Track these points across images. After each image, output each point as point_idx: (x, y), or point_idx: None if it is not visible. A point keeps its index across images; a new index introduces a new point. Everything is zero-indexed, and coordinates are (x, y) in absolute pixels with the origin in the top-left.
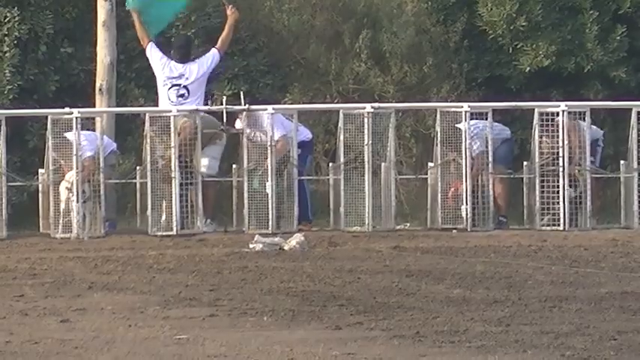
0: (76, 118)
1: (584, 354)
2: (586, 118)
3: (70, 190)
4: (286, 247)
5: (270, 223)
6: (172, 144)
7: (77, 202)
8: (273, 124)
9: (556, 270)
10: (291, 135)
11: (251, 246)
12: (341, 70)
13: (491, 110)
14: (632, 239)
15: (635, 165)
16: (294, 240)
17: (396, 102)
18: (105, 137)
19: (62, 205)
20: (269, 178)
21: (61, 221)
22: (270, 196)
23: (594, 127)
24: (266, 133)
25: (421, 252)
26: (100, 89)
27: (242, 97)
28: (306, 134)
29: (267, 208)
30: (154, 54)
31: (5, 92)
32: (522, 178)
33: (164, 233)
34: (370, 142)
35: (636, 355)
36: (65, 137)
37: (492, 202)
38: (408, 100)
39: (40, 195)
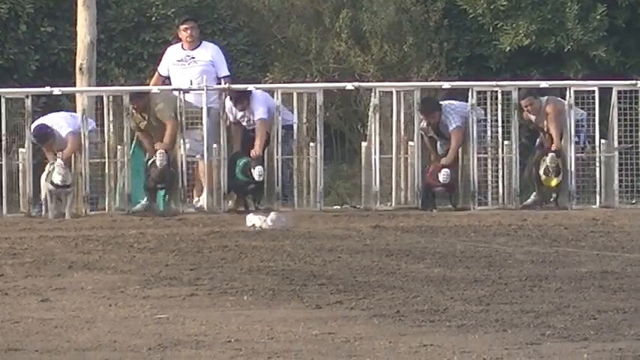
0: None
1: (564, 333)
2: (567, 98)
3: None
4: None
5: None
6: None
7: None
8: (258, 103)
9: (536, 249)
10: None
11: (249, 223)
12: (321, 50)
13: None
14: (613, 218)
15: (616, 144)
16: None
17: (377, 81)
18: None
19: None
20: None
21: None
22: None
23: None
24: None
25: (401, 231)
26: (81, 68)
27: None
28: (289, 118)
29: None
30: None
31: None
32: (503, 158)
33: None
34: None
35: (616, 333)
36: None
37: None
38: (388, 80)
39: (20, 174)
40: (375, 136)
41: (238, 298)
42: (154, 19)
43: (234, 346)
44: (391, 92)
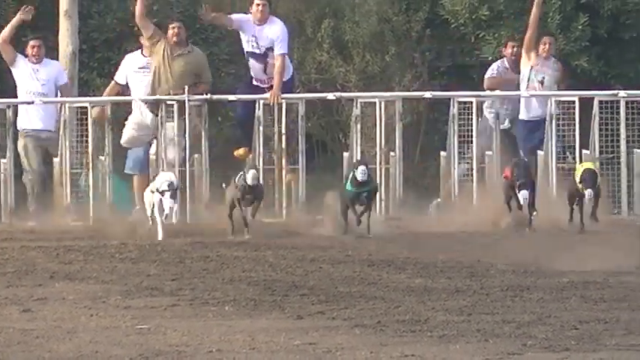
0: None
1: (546, 343)
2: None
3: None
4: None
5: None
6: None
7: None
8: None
9: (518, 259)
10: None
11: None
12: (303, 60)
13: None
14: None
15: (597, 154)
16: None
17: (359, 91)
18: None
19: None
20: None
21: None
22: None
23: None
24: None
25: (384, 241)
26: None
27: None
28: None
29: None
30: None
31: None
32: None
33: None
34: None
35: (597, 344)
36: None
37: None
38: (370, 90)
39: (1, 185)
40: (356, 146)
41: (220, 309)
42: (136, 29)
43: (216, 357)
44: (373, 102)
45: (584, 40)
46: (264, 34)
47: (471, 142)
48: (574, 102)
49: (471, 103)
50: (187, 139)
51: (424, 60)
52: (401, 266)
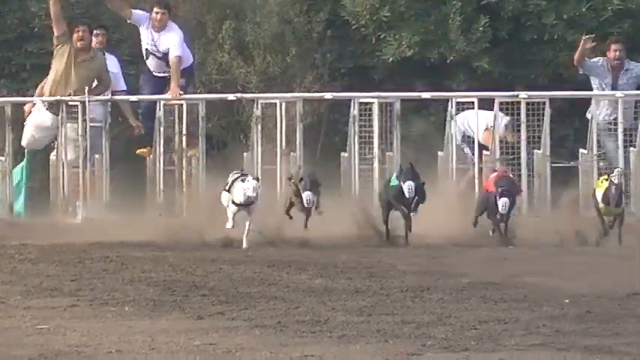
0: None
1: (445, 343)
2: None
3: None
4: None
5: None
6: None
7: None
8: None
9: (418, 260)
10: None
11: None
12: (204, 61)
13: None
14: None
15: (497, 155)
16: None
17: (259, 92)
18: None
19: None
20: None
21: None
22: None
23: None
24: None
25: (283, 242)
26: None
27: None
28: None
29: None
30: None
31: None
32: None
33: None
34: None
35: (496, 344)
36: None
37: None
38: (271, 90)
39: None
40: (257, 146)
41: (120, 309)
42: (37, 29)
43: (116, 357)
44: (274, 103)
45: (485, 41)
46: (163, 42)
47: (372, 143)
48: (473, 103)
49: (372, 104)
50: (88, 139)
51: (325, 61)
52: (301, 267)
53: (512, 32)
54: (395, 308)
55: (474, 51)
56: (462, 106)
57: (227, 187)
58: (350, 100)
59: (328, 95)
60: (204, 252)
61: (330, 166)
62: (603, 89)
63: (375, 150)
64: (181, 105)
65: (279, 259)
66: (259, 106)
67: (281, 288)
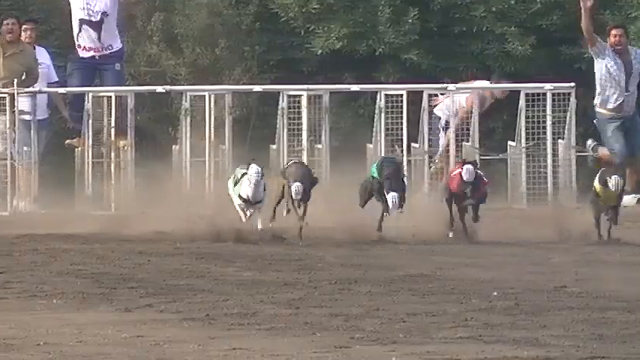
0: None
1: (374, 336)
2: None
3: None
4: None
5: None
6: None
7: None
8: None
9: (347, 252)
10: None
11: None
12: (133, 53)
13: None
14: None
15: (426, 148)
16: None
17: (188, 84)
18: None
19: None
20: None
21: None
22: None
23: None
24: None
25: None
26: None
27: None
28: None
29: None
30: None
31: None
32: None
33: None
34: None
35: (425, 336)
36: None
37: None
38: (200, 83)
39: None
40: (186, 139)
41: (48, 302)
42: None
43: (44, 350)
44: (203, 96)
45: (414, 33)
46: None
47: (301, 136)
48: (402, 95)
49: (301, 96)
50: (16, 132)
51: (254, 53)
52: (230, 259)
53: (441, 25)
54: (323, 301)
55: (402, 43)
56: (390, 99)
57: (234, 182)
58: (279, 92)
59: (257, 88)
60: (132, 244)
61: (260, 159)
62: (611, 74)
63: (304, 142)
64: (110, 97)
65: (207, 252)
66: (188, 98)
67: (210, 280)
